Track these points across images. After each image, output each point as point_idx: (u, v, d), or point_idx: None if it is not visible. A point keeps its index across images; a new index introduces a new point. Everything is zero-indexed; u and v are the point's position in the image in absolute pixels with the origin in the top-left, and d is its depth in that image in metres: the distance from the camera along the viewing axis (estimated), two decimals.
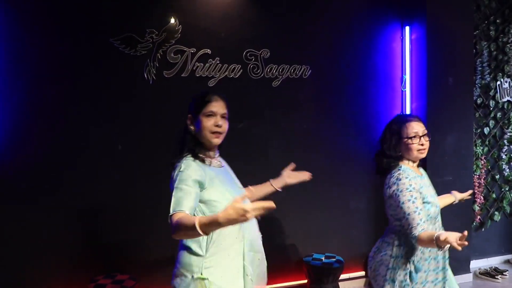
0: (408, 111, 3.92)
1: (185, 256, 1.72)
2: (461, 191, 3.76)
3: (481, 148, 4.27)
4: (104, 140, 3.21)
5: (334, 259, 3.52)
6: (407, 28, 3.91)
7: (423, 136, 2.11)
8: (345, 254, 3.76)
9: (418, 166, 2.24)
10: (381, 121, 3.95)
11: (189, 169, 1.71)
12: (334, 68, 3.78)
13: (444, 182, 3.79)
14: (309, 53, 3.68)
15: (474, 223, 4.31)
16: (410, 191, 2.00)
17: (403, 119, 2.17)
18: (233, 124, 3.53)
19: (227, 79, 3.47)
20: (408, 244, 2.05)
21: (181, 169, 1.71)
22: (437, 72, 3.73)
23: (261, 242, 1.91)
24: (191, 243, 1.71)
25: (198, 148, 1.82)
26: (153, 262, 3.30)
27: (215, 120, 1.79)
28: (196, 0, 3.41)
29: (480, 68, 4.16)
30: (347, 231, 3.91)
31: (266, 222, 3.46)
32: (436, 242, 1.74)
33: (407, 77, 3.91)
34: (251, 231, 1.84)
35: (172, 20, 3.32)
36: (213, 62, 3.43)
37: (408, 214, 1.96)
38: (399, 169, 2.10)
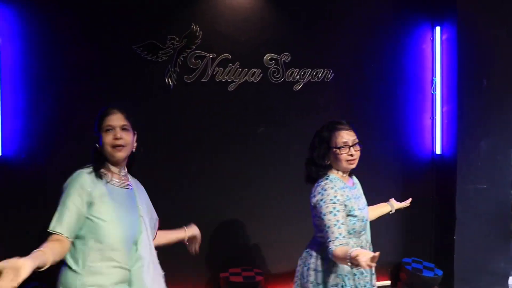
0: (438, 115, 3.74)
1: (62, 273, 1.63)
2: (497, 200, 3.61)
3: None
4: None
5: None
6: (438, 29, 3.73)
7: (353, 145, 1.98)
8: None
9: (350, 175, 2.13)
10: (409, 126, 3.81)
11: (76, 182, 1.67)
12: (358, 71, 3.67)
13: (477, 190, 3.57)
14: (332, 56, 3.61)
15: None
16: (334, 202, 1.88)
17: (333, 127, 2.03)
18: (253, 129, 3.57)
19: (247, 83, 3.47)
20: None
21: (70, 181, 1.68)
22: (469, 74, 3.52)
23: None
24: (68, 257, 1.60)
25: (100, 164, 1.73)
26: None
27: (114, 133, 1.71)
28: (216, 7, 3.44)
29: None
30: (372, 239, 3.77)
31: (290, 226, 3.46)
32: (350, 259, 1.61)
33: (438, 79, 3.73)
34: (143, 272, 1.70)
35: (193, 27, 3.37)
36: (233, 67, 3.43)
37: (328, 227, 1.84)
38: (326, 179, 1.99)
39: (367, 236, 2.08)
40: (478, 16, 3.53)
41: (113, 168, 1.76)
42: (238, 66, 3.44)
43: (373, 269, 1.96)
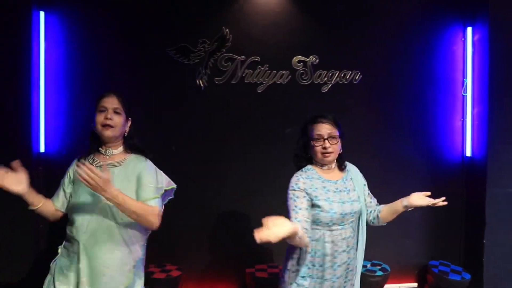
0: (469, 117, 3.68)
1: None
2: None
3: None
4: (158, 141, 3.46)
5: (379, 267, 3.43)
6: (469, 29, 3.68)
7: (328, 138, 1.99)
8: (395, 263, 3.64)
9: (343, 169, 2.13)
10: (439, 127, 3.78)
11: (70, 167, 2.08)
12: (387, 72, 3.67)
13: (508, 194, 3.50)
14: (360, 58, 3.63)
15: None
16: (294, 189, 1.95)
17: (313, 120, 2.06)
18: (281, 130, 3.64)
19: (275, 85, 3.55)
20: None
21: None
22: (501, 75, 3.46)
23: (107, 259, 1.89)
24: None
25: (94, 144, 2.01)
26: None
27: (105, 114, 1.91)
28: (246, 11, 3.54)
29: None
30: (400, 240, 3.77)
31: None
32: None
33: (469, 81, 3.68)
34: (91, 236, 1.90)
35: (224, 30, 3.48)
36: (262, 68, 3.52)
37: (289, 212, 1.90)
38: (301, 170, 2.05)
39: (347, 231, 2.03)
40: (511, 16, 3.46)
41: (102, 149, 1.99)
42: (267, 68, 3.53)
43: (358, 268, 2.10)
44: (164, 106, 3.47)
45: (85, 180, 1.67)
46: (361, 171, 2.28)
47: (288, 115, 3.60)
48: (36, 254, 3.35)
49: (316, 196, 1.96)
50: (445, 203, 2.09)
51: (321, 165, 2.07)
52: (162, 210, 1.99)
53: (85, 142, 3.37)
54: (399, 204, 2.10)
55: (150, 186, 1.93)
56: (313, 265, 1.98)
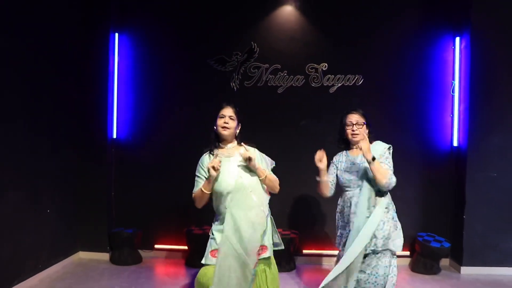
0: (456, 113, 4.37)
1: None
2: (507, 188, 4.15)
3: None
4: (199, 133, 4.45)
5: None
6: (458, 39, 4.37)
7: (356, 124, 2.73)
8: None
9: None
10: (432, 121, 4.48)
11: (201, 163, 2.54)
12: (385, 76, 4.45)
13: (487, 178, 4.17)
14: (362, 64, 4.44)
15: None
16: (331, 162, 2.81)
17: (347, 111, 2.82)
18: (296, 122, 4.50)
19: (292, 87, 4.46)
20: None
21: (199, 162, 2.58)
22: (480, 77, 4.13)
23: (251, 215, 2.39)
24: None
25: (215, 141, 2.56)
26: None
27: (224, 120, 2.52)
28: (269, 29, 4.47)
29: None
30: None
31: (320, 199, 4.36)
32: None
33: (456, 82, 4.37)
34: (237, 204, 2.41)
35: (252, 45, 4.44)
36: (282, 74, 4.44)
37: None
38: (338, 153, 2.88)
39: (355, 192, 2.71)
40: (489, 27, 4.12)
41: (221, 144, 2.58)
42: (285, 74, 4.45)
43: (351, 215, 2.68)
44: (205, 104, 4.46)
45: (248, 158, 2.37)
46: None
47: (302, 111, 4.48)
48: (109, 217, 4.50)
49: (337, 167, 2.82)
50: None
51: (352, 144, 2.78)
52: None
53: (145, 130, 4.49)
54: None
55: (267, 165, 2.59)
56: (342, 215, 2.79)
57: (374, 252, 2.56)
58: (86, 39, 4.36)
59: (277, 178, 2.59)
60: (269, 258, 2.48)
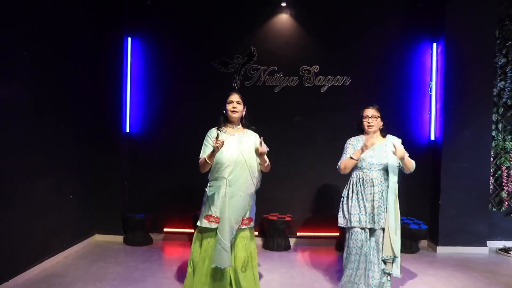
0: (433, 111, 4.91)
1: None
2: (477, 177, 4.70)
3: (511, 143, 4.99)
4: (202, 128, 4.97)
5: None
6: (435, 44, 4.91)
7: (371, 117, 3.26)
8: None
9: (383, 136, 3.33)
10: (412, 118, 5.02)
11: (210, 134, 3.07)
12: (370, 77, 4.98)
13: (461, 168, 4.72)
14: (349, 67, 4.97)
15: (503, 209, 5.04)
16: (349, 143, 3.30)
17: (364, 106, 3.34)
18: (291, 119, 5.01)
19: (287, 87, 4.98)
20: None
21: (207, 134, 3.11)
22: (453, 79, 4.68)
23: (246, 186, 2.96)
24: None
25: (224, 122, 3.10)
26: None
27: (233, 104, 3.04)
28: (267, 35, 4.99)
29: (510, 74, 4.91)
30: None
31: (313, 186, 4.88)
32: None
33: (433, 83, 4.91)
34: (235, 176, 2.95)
35: (252, 49, 4.95)
36: (278, 75, 4.96)
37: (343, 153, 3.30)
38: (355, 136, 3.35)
39: (373, 174, 3.19)
40: (461, 34, 4.68)
41: (229, 125, 3.10)
42: (281, 75, 4.96)
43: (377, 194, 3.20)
44: (209, 102, 4.96)
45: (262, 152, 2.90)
46: None
47: (296, 108, 5.01)
48: (122, 203, 5.00)
49: (354, 148, 3.27)
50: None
51: (367, 133, 3.29)
52: None
53: (155, 124, 4.98)
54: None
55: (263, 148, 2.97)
56: (357, 190, 3.25)
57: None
58: (102, 44, 4.86)
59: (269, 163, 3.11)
60: (252, 228, 3.11)
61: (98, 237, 4.99)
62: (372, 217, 3.19)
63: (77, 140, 4.57)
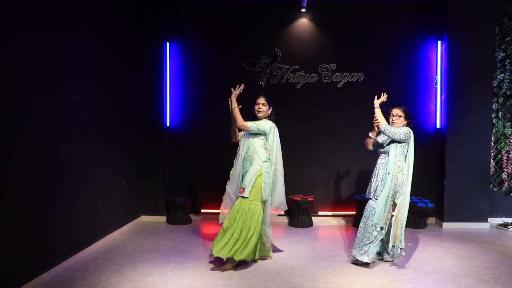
0: (438, 102, 5.50)
1: None
2: (479, 161, 5.29)
3: (510, 130, 5.54)
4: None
5: None
6: (439, 42, 5.48)
7: (395, 116, 3.99)
8: None
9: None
10: (420, 108, 5.61)
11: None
12: (382, 73, 5.59)
13: (463, 153, 5.31)
14: (363, 64, 5.58)
15: (504, 189, 5.61)
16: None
17: (392, 106, 4.06)
18: (312, 111, 5.63)
19: (308, 83, 5.62)
20: None
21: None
22: (455, 73, 5.26)
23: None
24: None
25: (254, 118, 3.99)
26: None
27: (258, 106, 4.00)
28: (289, 37, 5.63)
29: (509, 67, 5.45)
30: None
31: (333, 169, 5.52)
32: None
33: (438, 77, 5.50)
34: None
35: (276, 50, 5.59)
36: (300, 73, 5.60)
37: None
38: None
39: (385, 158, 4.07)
40: (462, 33, 5.25)
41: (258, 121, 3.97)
42: (302, 73, 5.60)
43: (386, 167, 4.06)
44: (239, 97, 5.60)
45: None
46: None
47: (316, 102, 5.65)
48: (165, 188, 5.72)
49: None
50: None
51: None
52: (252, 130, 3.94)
53: (191, 118, 5.68)
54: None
55: (258, 125, 3.92)
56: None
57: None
58: (145, 50, 5.56)
59: (246, 124, 3.94)
60: (247, 198, 3.89)
61: (144, 218, 5.72)
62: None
63: (127, 133, 5.28)
